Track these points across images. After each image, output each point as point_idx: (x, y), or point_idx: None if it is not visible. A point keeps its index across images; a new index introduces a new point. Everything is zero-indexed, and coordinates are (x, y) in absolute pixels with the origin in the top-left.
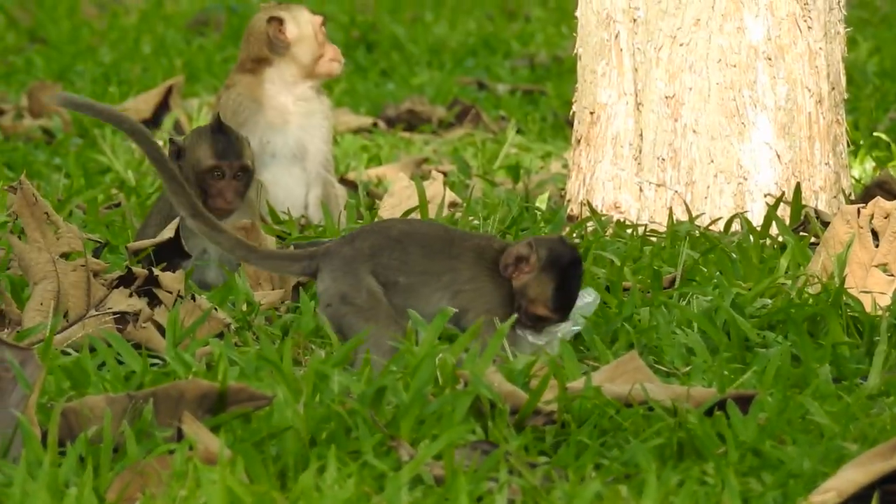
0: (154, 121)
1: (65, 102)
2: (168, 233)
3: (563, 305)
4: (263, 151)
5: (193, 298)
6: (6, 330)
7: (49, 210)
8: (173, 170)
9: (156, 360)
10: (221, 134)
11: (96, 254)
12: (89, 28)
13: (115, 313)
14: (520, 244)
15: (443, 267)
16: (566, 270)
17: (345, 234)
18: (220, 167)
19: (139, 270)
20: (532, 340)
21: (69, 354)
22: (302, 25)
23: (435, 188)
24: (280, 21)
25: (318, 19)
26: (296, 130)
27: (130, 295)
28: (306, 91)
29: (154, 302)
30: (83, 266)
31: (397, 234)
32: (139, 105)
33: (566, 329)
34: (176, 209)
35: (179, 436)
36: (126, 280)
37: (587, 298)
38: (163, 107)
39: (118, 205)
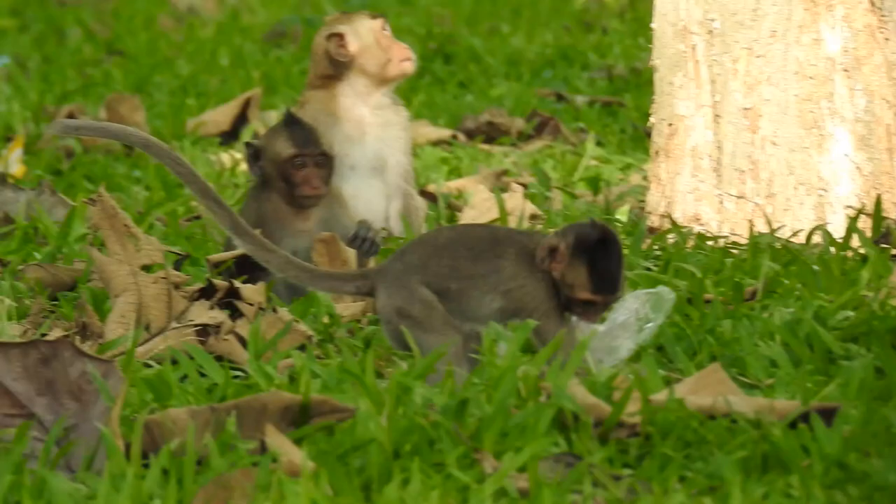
0: (232, 133)
1: (65, 129)
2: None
3: (604, 285)
4: (342, 164)
5: (275, 311)
6: (88, 342)
7: (129, 222)
8: (206, 185)
9: (238, 373)
10: (296, 125)
11: (177, 266)
12: (167, 40)
13: (196, 325)
14: (550, 235)
15: (488, 268)
16: (597, 250)
17: (396, 252)
18: (301, 155)
19: (220, 283)
20: (595, 328)
21: (151, 367)
22: (363, 35)
23: (514, 200)
24: (340, 36)
25: (379, 23)
26: (374, 142)
27: (212, 307)
28: (382, 100)
29: (235, 314)
30: (164, 278)
31: (444, 242)
32: (217, 117)
33: (639, 326)
34: (220, 227)
35: (263, 448)
36: (207, 292)
37: (665, 296)
38: (241, 119)
39: (198, 217)
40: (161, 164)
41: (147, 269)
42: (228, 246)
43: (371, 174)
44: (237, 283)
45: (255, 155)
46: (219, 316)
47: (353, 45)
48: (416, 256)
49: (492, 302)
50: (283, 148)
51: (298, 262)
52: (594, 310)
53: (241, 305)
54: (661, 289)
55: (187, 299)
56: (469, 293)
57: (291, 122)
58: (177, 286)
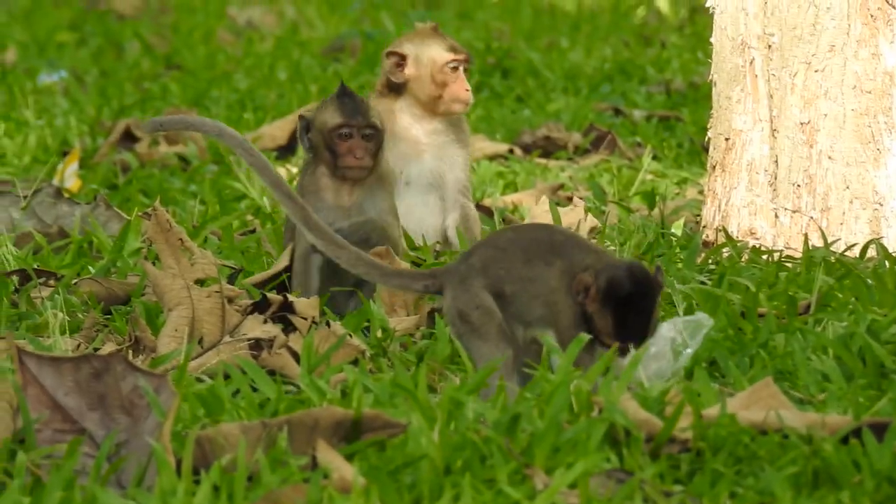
0: (289, 147)
1: (153, 127)
2: (283, 261)
3: (629, 335)
4: (399, 180)
5: (328, 325)
6: (140, 357)
7: (183, 236)
8: (278, 177)
9: (290, 387)
10: (347, 97)
11: (231, 280)
12: (225, 54)
13: (249, 340)
14: (587, 272)
15: (535, 273)
16: (628, 300)
17: (464, 251)
18: (347, 125)
19: (274, 297)
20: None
21: (203, 381)
22: (421, 65)
23: (575, 215)
24: (401, 56)
25: (447, 57)
26: (431, 161)
27: (265, 321)
28: (437, 125)
29: (289, 328)
30: (217, 292)
31: (504, 243)
32: (274, 131)
33: (675, 355)
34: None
35: (314, 464)
36: (261, 306)
37: (704, 322)
38: None
39: (253, 231)
40: (221, 173)
41: (201, 283)
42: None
43: (427, 190)
44: (291, 297)
45: (306, 127)
46: (272, 330)
47: (409, 70)
48: (479, 258)
49: (535, 308)
50: (331, 118)
51: (368, 259)
52: (620, 349)
53: (294, 319)
54: (700, 315)
55: (241, 313)
56: (520, 296)
57: (342, 94)
58: (230, 300)
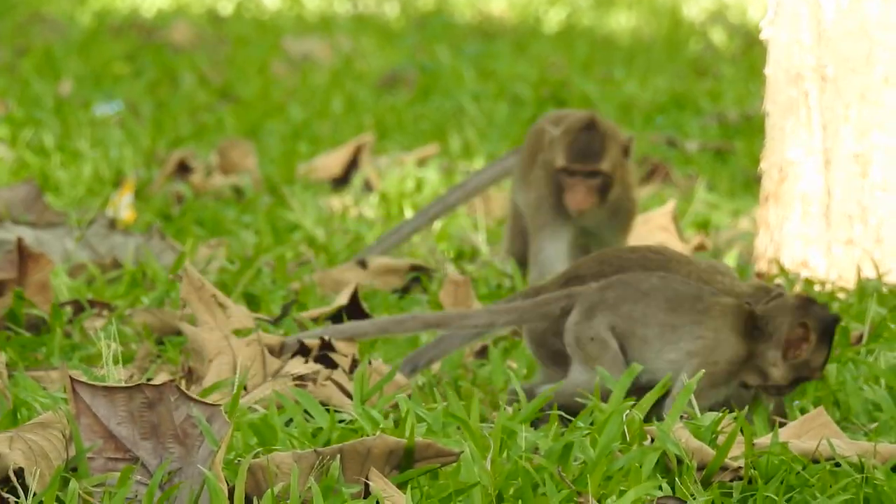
0: (344, 178)
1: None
2: (343, 299)
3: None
4: None
5: (370, 363)
6: (193, 387)
7: (216, 292)
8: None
9: (342, 418)
10: (581, 135)
11: (286, 311)
12: (279, 86)
13: (293, 376)
14: (793, 328)
15: (685, 320)
16: (833, 334)
17: (604, 280)
18: (570, 170)
19: (312, 343)
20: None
21: (256, 411)
22: (555, 158)
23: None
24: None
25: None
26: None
27: (306, 362)
28: None
29: (330, 366)
30: (255, 341)
31: (647, 288)
32: (329, 162)
33: None
34: None
35: (367, 492)
36: (302, 352)
37: None
38: (352, 164)
39: (306, 262)
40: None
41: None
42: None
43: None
44: (330, 338)
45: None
46: (315, 367)
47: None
48: (613, 295)
49: (668, 353)
50: (557, 157)
51: (502, 308)
52: (789, 390)
53: (335, 357)
54: None
55: (282, 359)
56: (652, 342)
57: (580, 129)
58: (270, 350)
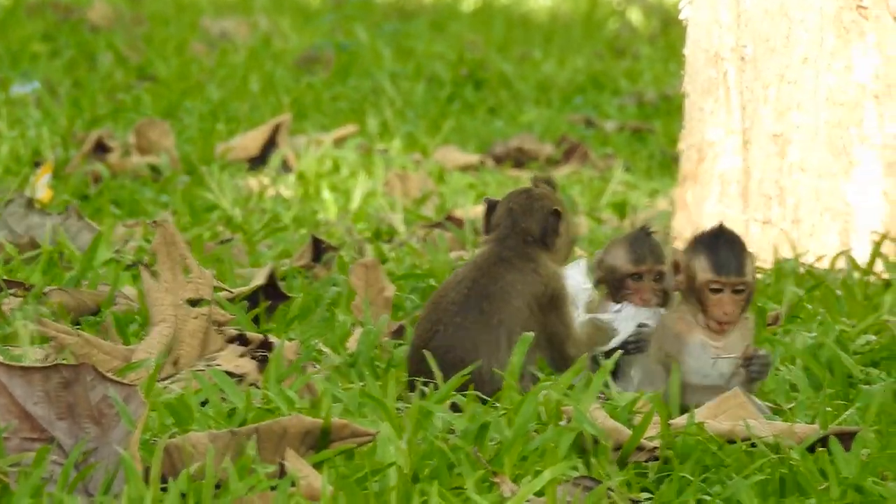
0: (261, 158)
1: None
2: (260, 279)
3: None
4: None
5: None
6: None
7: (186, 253)
8: None
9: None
10: (638, 240)
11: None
12: (198, 65)
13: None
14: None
15: None
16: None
17: None
18: (638, 272)
19: (254, 336)
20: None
21: (172, 392)
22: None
23: None
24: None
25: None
26: None
27: (243, 355)
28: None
29: (264, 366)
30: (205, 315)
31: None
32: (246, 142)
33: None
34: None
35: (282, 472)
36: (244, 339)
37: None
38: (270, 144)
39: (224, 241)
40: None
41: (195, 303)
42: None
43: None
44: (272, 339)
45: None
46: (245, 366)
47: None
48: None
49: None
50: (622, 262)
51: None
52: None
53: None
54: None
55: (225, 340)
56: None
57: (636, 237)
58: (220, 324)
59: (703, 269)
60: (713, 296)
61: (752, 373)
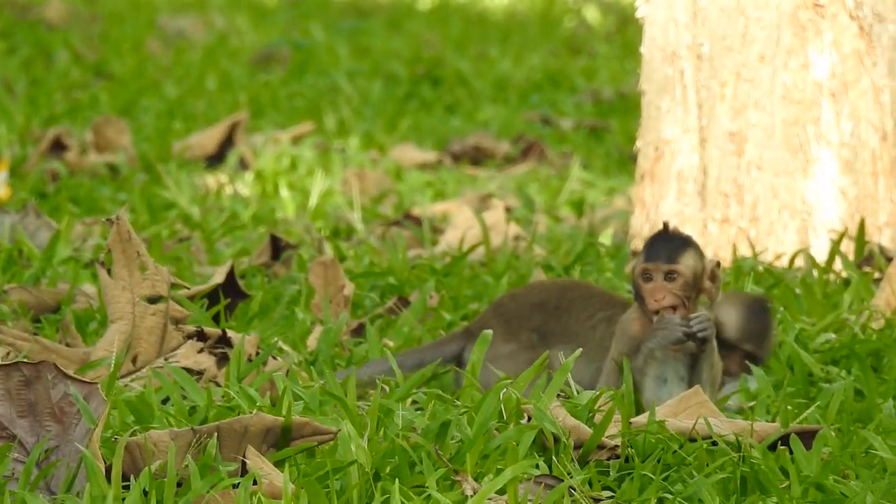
0: (218, 156)
1: None
2: (219, 278)
3: None
4: None
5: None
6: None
7: (141, 249)
8: None
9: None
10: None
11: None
12: (154, 63)
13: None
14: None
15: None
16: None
17: None
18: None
19: (211, 331)
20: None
21: (133, 390)
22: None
23: (495, 216)
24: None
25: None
26: None
27: (201, 350)
28: None
29: (223, 362)
30: (162, 312)
31: None
32: (203, 140)
33: None
34: None
35: (244, 470)
36: (202, 334)
37: None
38: (227, 142)
39: (183, 240)
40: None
41: (155, 300)
42: None
43: None
44: (230, 334)
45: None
46: (205, 362)
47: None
48: None
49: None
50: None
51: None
52: None
53: (231, 354)
54: None
55: (183, 337)
56: None
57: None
58: (177, 321)
59: (638, 262)
60: (646, 284)
61: (698, 335)
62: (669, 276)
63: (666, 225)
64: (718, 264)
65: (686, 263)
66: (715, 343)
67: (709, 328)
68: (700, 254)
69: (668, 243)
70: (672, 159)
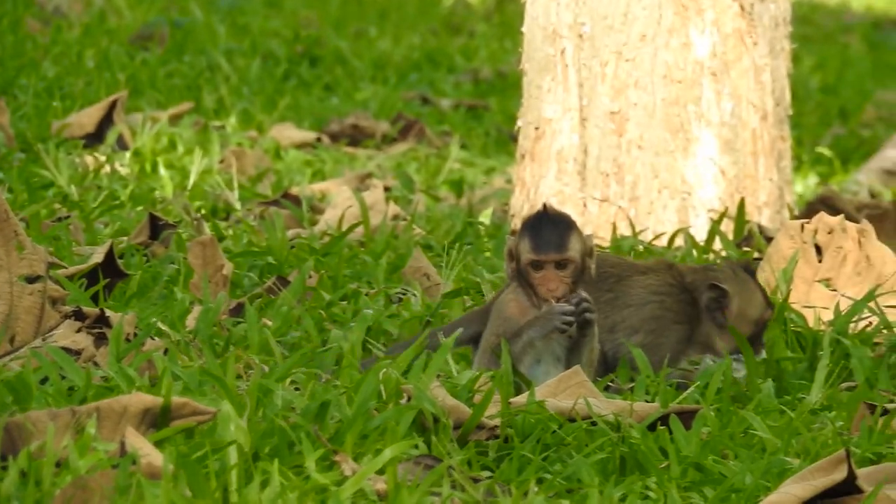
0: (97, 135)
1: None
2: (98, 257)
3: None
4: None
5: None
6: None
7: (19, 229)
8: None
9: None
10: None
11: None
12: (33, 42)
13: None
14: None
15: None
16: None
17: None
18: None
19: (90, 311)
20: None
21: (11, 370)
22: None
23: (374, 196)
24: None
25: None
26: None
27: (79, 330)
28: None
29: (102, 341)
30: (40, 291)
31: None
32: (82, 120)
33: None
34: None
35: (123, 450)
36: (80, 314)
37: None
38: (106, 121)
39: (61, 219)
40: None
41: (33, 280)
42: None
43: None
44: (108, 313)
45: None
46: (82, 341)
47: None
48: None
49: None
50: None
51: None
52: None
53: (109, 333)
54: None
55: (61, 316)
56: None
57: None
58: (55, 301)
59: (525, 250)
60: (537, 274)
61: (585, 317)
62: (560, 264)
63: (545, 206)
64: (590, 237)
65: (575, 248)
66: (596, 328)
67: (593, 310)
68: (580, 233)
69: (554, 230)
70: (552, 139)
